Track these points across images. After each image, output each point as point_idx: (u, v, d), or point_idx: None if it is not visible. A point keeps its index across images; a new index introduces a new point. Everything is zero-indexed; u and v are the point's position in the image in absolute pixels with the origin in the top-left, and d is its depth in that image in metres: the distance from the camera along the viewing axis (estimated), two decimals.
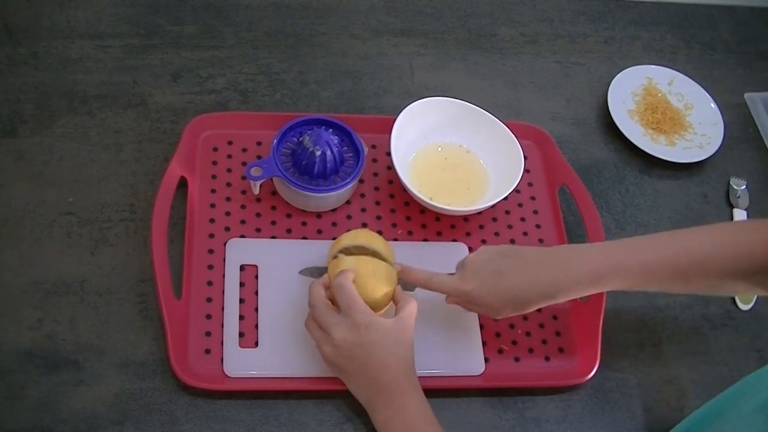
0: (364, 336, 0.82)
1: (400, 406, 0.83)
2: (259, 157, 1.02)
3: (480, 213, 1.03)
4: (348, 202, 1.02)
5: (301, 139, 0.97)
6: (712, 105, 1.22)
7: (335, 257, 0.89)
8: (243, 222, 0.97)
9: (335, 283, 0.85)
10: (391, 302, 0.89)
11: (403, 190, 1.01)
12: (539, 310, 0.98)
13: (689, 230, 0.87)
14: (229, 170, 1.01)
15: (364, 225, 1.00)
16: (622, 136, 1.15)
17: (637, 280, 0.85)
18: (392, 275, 0.88)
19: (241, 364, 0.88)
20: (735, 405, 0.79)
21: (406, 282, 0.90)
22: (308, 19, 1.19)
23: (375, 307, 0.86)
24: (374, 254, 0.90)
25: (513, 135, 1.04)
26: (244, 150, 1.03)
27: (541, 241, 1.04)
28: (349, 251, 0.90)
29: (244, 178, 1.00)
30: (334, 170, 0.97)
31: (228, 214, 0.98)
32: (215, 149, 1.02)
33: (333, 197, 0.98)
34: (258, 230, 0.97)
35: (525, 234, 1.04)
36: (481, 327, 0.95)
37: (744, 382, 0.82)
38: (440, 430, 0.82)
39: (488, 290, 0.86)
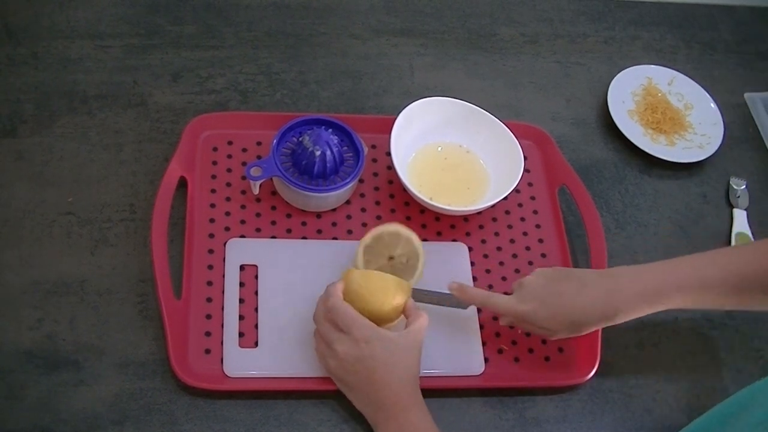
0: (365, 350, 0.82)
1: (403, 422, 0.82)
2: (258, 157, 1.02)
3: (480, 213, 1.03)
4: (348, 202, 1.02)
5: (300, 139, 0.97)
6: (712, 105, 1.22)
7: (347, 271, 0.88)
8: (243, 222, 0.97)
9: (329, 308, 0.85)
10: (403, 315, 0.88)
11: (403, 190, 1.01)
12: None
13: (745, 246, 0.87)
14: (229, 170, 1.01)
15: (364, 225, 1.00)
16: (622, 136, 1.15)
17: (696, 298, 0.85)
18: (402, 288, 0.88)
19: (241, 364, 0.88)
20: (739, 416, 0.78)
21: (462, 300, 0.91)
22: (308, 19, 1.19)
23: (384, 319, 0.86)
24: (407, 240, 0.93)
25: (513, 135, 1.04)
26: (244, 150, 1.03)
27: (540, 241, 1.03)
28: (381, 238, 0.92)
29: (244, 178, 1.00)
30: (334, 170, 0.97)
31: (228, 214, 0.98)
32: (215, 149, 1.02)
33: (333, 197, 0.98)
34: (258, 230, 0.97)
35: (525, 234, 1.04)
36: (481, 327, 0.95)
37: (748, 391, 0.80)
38: None
39: (547, 312, 0.87)
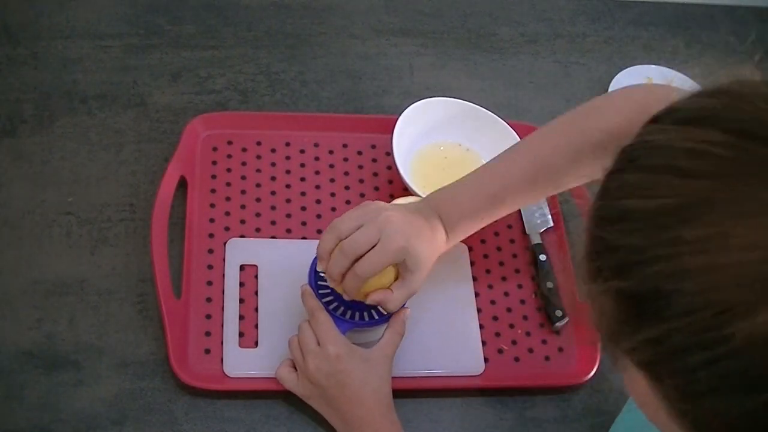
0: (336, 366, 0.81)
1: None
2: (258, 157, 1.02)
3: None
4: (348, 203, 1.01)
5: None
6: None
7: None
8: (243, 222, 0.97)
9: (309, 312, 0.84)
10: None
11: (404, 189, 1.01)
12: (539, 310, 0.98)
13: (513, 150, 0.88)
14: (228, 170, 1.01)
15: None
16: None
17: (498, 206, 0.87)
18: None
19: (241, 364, 0.88)
20: None
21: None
22: (308, 19, 1.19)
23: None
24: None
25: (516, 134, 1.04)
26: (244, 150, 1.03)
27: (540, 241, 1.04)
28: None
29: (243, 178, 1.00)
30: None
31: (228, 214, 0.98)
32: (215, 149, 1.02)
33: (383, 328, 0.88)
34: (258, 230, 0.97)
35: (525, 234, 1.04)
36: (481, 327, 0.95)
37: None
38: None
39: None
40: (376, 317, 0.87)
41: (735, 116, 0.47)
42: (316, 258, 0.85)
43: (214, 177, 1.00)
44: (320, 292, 0.86)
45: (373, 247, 0.80)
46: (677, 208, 0.45)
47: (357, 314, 0.87)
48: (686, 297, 0.44)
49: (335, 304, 0.87)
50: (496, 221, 1.04)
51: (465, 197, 0.86)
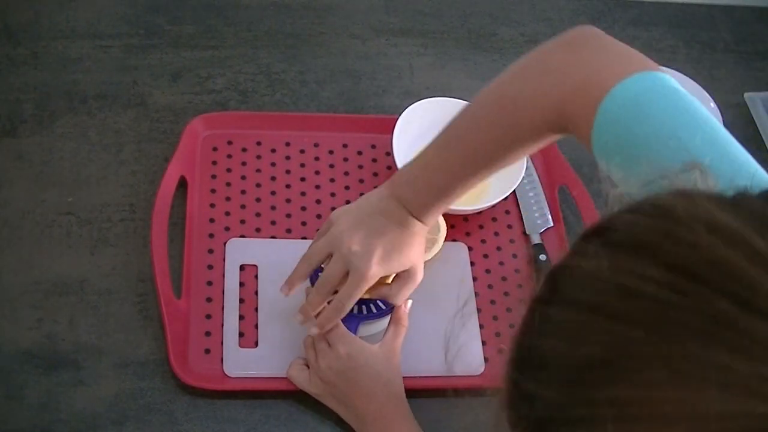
0: (346, 363, 0.82)
1: None
2: (258, 157, 1.02)
3: (480, 213, 1.03)
4: (347, 203, 1.01)
5: None
6: (712, 105, 1.22)
7: None
8: (243, 222, 0.97)
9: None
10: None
11: None
12: None
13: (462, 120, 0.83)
14: (228, 170, 1.01)
15: None
16: None
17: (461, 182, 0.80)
18: None
19: (241, 364, 0.88)
20: None
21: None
22: (308, 19, 1.19)
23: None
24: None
25: None
26: (244, 150, 1.03)
27: (541, 241, 1.03)
28: None
29: (243, 178, 1.00)
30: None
31: (228, 214, 0.98)
32: (215, 149, 1.02)
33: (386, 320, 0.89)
34: (258, 230, 0.97)
35: (525, 234, 1.04)
36: (481, 327, 0.95)
37: None
38: None
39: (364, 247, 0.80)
40: (383, 307, 0.87)
41: (673, 248, 0.39)
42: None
43: (214, 177, 1.00)
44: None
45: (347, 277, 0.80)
46: (604, 362, 0.38)
47: (364, 308, 0.88)
48: None
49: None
50: (495, 220, 1.04)
51: (425, 182, 0.81)
